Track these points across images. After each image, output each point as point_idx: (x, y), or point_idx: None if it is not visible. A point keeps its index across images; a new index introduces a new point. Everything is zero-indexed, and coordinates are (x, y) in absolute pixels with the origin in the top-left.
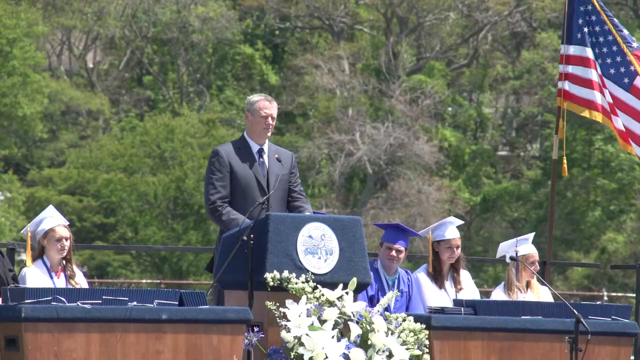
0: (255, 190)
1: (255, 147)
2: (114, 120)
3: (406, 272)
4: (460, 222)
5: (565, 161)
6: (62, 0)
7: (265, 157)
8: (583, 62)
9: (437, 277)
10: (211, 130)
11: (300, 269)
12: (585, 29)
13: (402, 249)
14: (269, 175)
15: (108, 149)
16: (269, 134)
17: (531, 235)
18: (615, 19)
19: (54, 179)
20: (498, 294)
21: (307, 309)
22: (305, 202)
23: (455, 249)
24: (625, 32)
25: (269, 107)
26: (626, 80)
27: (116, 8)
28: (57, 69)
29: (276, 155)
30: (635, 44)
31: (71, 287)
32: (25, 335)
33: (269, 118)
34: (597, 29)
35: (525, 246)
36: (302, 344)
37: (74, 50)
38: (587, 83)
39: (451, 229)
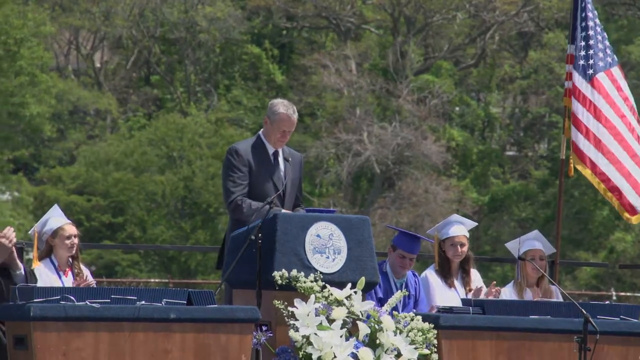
0: (271, 192)
1: (270, 150)
2: (122, 119)
3: (413, 274)
4: (463, 219)
5: (571, 161)
6: (69, 0)
7: (280, 159)
8: None
9: (445, 275)
10: (220, 129)
11: (308, 268)
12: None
13: (415, 256)
14: (286, 178)
15: (116, 148)
16: (283, 145)
17: (533, 234)
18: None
19: (63, 177)
20: (508, 291)
21: (316, 308)
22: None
23: (459, 246)
24: (607, 43)
25: (288, 124)
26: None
27: (123, 8)
28: (64, 68)
29: (289, 158)
30: (610, 59)
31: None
32: (34, 334)
33: (287, 133)
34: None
35: (529, 243)
36: (310, 343)
37: (81, 50)
38: None
39: (456, 227)
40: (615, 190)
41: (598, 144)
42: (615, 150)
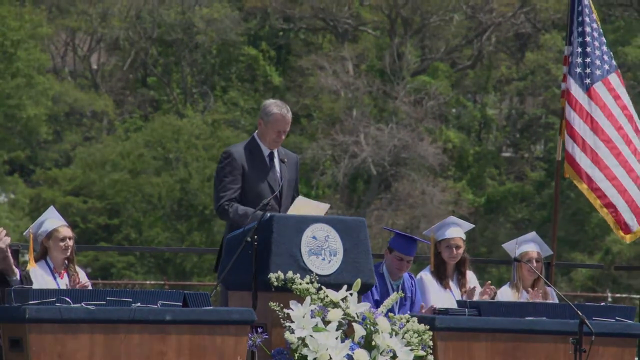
0: (267, 194)
1: (266, 151)
2: (118, 121)
3: (410, 275)
4: (460, 220)
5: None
6: (66, 2)
7: (276, 161)
8: None
9: (441, 277)
10: (216, 131)
11: (304, 270)
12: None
13: (412, 258)
14: (282, 179)
15: (112, 150)
16: (279, 145)
17: (530, 235)
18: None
19: (59, 179)
20: (505, 292)
21: (311, 310)
22: None
23: (454, 248)
24: (605, 48)
25: (283, 124)
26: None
27: (120, 9)
28: (61, 70)
29: (285, 159)
30: (608, 66)
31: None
32: (30, 336)
33: (282, 133)
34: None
35: (525, 245)
36: (306, 345)
37: (78, 51)
38: None
39: (452, 229)
40: (610, 206)
41: (595, 157)
42: (612, 166)
